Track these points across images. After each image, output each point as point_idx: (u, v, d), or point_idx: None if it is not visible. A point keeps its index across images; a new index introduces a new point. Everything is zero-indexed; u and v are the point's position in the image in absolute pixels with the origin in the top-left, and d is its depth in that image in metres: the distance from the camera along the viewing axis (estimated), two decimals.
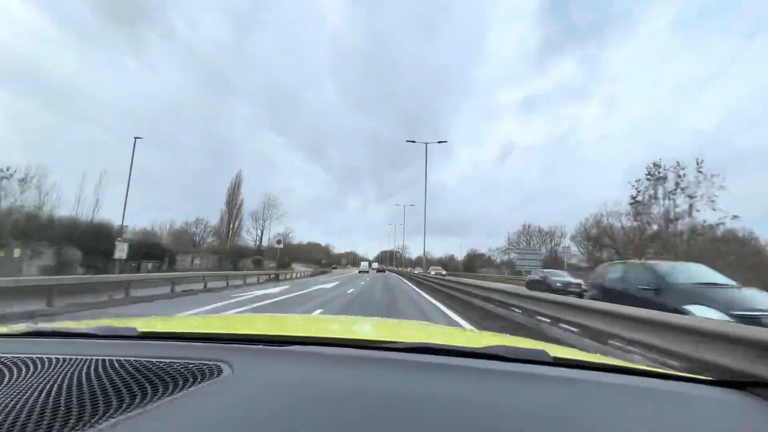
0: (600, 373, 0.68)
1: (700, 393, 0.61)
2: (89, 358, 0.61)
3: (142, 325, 0.88)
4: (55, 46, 53.79)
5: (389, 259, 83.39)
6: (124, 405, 0.45)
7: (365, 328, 1.23)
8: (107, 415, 0.43)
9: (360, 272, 47.29)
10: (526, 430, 0.44)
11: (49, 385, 0.50)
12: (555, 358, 0.70)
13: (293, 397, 0.49)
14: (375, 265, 68.88)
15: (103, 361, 0.59)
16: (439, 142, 27.53)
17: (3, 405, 0.44)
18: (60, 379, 0.52)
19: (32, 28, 45.35)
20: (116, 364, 0.57)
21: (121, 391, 0.49)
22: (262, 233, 47.33)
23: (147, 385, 0.51)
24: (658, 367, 0.78)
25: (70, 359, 0.60)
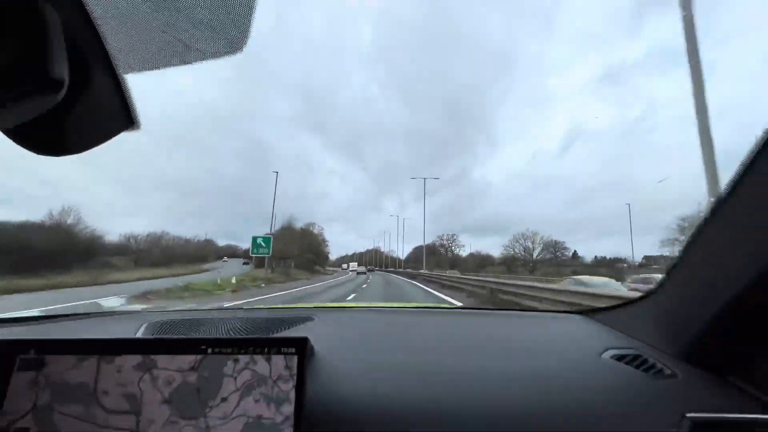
0: (511, 311, 1.50)
1: (566, 318, 1.19)
2: (261, 316, 1.23)
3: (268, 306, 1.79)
4: None
5: (377, 260, 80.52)
6: (283, 328, 1.02)
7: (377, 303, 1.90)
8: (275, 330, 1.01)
9: (358, 273, 48.16)
10: (483, 343, 0.93)
11: (248, 325, 1.05)
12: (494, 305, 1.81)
13: (345, 327, 1.10)
14: (354, 265, 66.47)
15: (262, 319, 1.15)
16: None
17: (229, 330, 1.01)
18: (250, 322, 1.08)
19: None
20: (271, 316, 1.19)
21: (282, 321, 1.08)
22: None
23: (285, 323, 1.07)
24: (543, 308, 2.38)
25: (257, 318, 1.15)
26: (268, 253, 22.76)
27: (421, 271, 34.54)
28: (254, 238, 22.58)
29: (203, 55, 0.48)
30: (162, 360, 0.60)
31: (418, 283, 22.43)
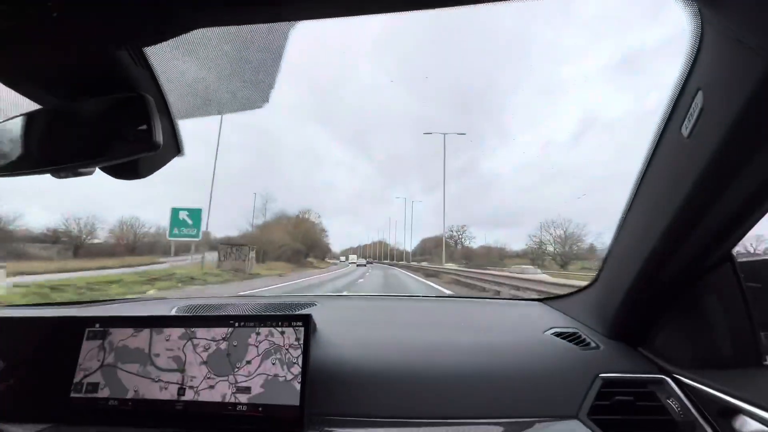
0: (482, 299, 1.91)
1: (526, 305, 1.40)
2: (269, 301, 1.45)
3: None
4: None
5: (382, 252, 76.37)
6: (292, 311, 1.15)
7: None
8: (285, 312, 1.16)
9: (357, 266, 45.64)
10: (452, 323, 1.17)
11: (262, 308, 1.24)
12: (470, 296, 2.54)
13: (342, 310, 1.34)
14: (353, 257, 63.40)
15: (273, 304, 1.34)
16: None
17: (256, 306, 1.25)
18: (264, 306, 1.28)
19: None
20: (281, 302, 1.36)
21: (290, 305, 1.27)
22: None
23: (293, 306, 1.24)
24: (506, 296, 3.19)
25: (269, 303, 1.36)
26: (197, 236, 15.47)
27: (447, 266, 23.56)
28: (174, 211, 14.76)
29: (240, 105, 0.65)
30: (200, 332, 0.79)
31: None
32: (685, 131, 0.53)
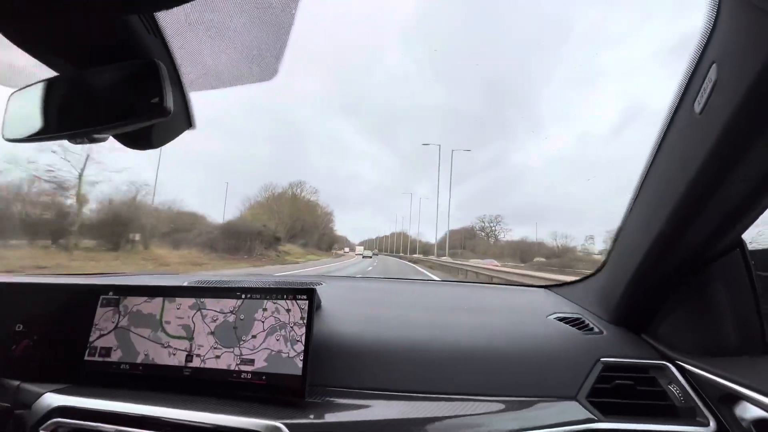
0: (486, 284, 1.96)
1: (531, 291, 1.42)
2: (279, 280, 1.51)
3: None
4: None
5: (402, 244, 67.15)
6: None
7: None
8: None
9: (363, 257, 42.71)
10: (455, 305, 1.17)
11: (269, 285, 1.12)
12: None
13: (346, 290, 1.35)
14: (360, 249, 61.18)
15: (281, 282, 1.43)
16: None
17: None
18: (271, 283, 1.33)
19: None
20: (288, 280, 1.49)
21: (296, 283, 1.35)
22: None
23: (299, 285, 1.22)
24: (517, 283, 3.25)
25: (277, 281, 1.43)
26: None
27: (472, 262, 19.71)
28: None
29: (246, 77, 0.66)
30: (209, 303, 0.81)
31: None
32: (697, 107, 0.52)
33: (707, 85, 0.49)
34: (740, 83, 0.43)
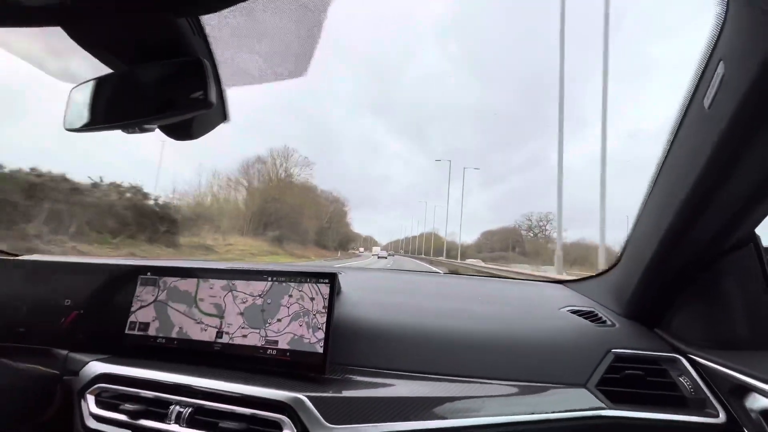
0: (500, 278, 1.72)
1: (545, 285, 1.41)
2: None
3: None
4: None
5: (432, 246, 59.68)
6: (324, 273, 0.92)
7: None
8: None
9: (379, 258, 41.79)
10: (469, 296, 1.19)
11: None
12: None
13: (365, 280, 1.34)
14: (377, 249, 59.77)
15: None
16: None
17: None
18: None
19: None
20: (309, 269, 1.23)
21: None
22: None
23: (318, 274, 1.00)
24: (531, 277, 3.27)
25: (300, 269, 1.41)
26: None
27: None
28: None
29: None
30: (240, 285, 0.87)
31: None
32: (706, 102, 0.53)
33: (715, 81, 0.50)
34: (745, 79, 0.45)
